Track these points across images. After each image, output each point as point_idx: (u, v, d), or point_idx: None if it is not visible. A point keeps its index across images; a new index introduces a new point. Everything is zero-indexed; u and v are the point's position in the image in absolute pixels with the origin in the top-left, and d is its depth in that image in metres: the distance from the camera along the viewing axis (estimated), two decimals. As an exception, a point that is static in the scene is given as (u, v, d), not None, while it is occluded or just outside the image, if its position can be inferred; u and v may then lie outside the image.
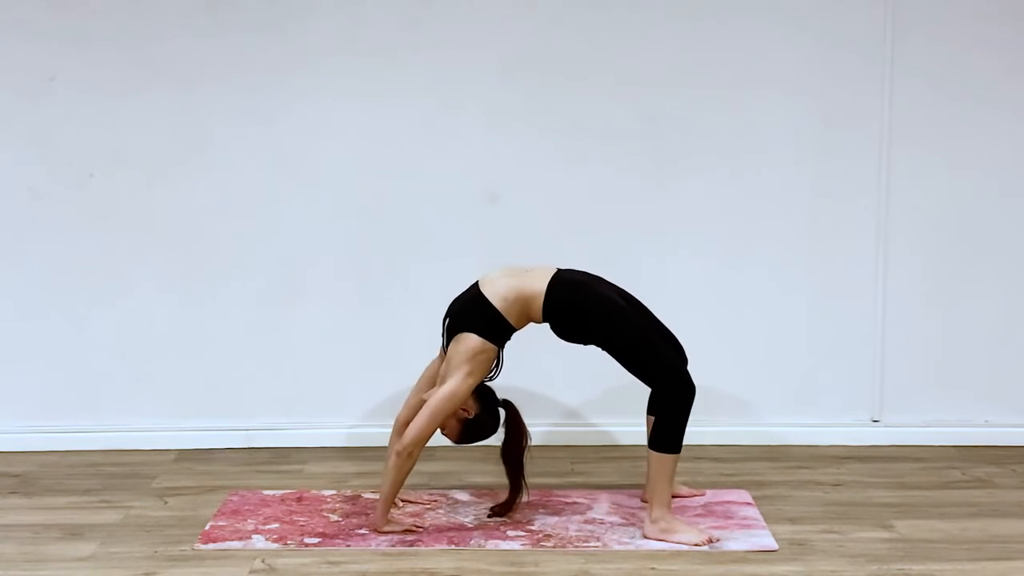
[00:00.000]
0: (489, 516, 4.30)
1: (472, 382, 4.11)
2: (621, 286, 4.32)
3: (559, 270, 4.24)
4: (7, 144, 5.04)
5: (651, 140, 5.09)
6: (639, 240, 5.12)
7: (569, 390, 5.19)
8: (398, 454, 4.09)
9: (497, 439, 4.30)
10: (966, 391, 5.21)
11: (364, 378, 5.14)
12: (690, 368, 4.24)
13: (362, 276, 5.14)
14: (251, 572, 3.86)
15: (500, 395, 4.26)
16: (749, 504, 4.44)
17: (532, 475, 4.67)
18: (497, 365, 4.22)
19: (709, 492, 4.57)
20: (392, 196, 5.10)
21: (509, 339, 4.20)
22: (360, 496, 4.54)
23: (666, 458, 4.09)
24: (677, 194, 5.11)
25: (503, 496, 4.34)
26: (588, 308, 4.14)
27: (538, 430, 5.08)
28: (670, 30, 5.04)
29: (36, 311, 5.11)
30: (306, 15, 5.01)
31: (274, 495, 4.55)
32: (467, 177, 5.10)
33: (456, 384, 4.09)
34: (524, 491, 4.28)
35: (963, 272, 5.17)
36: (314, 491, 4.60)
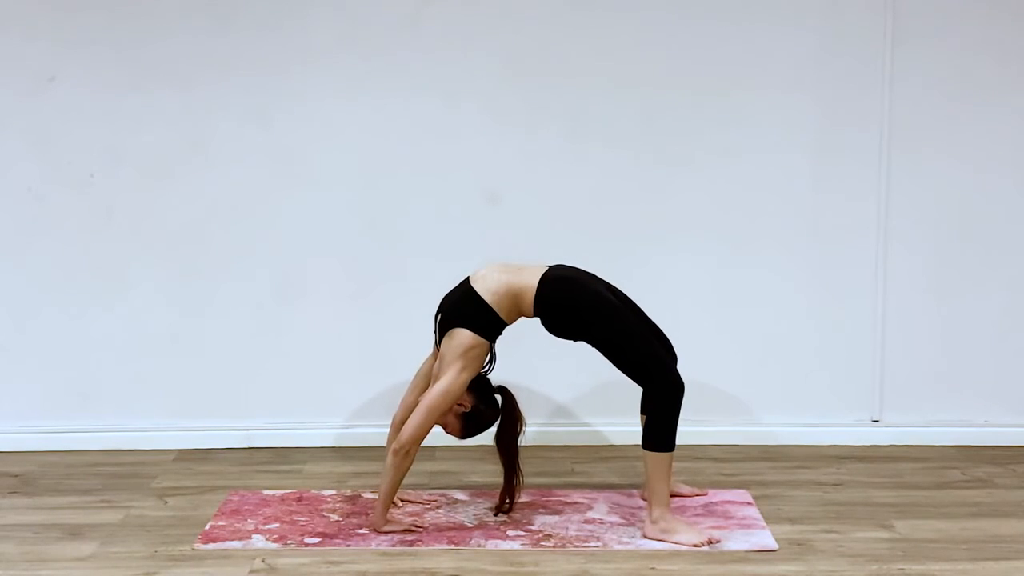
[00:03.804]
0: (495, 514, 4.30)
1: (466, 377, 4.12)
2: (621, 285, 4.32)
3: (551, 266, 4.24)
4: (7, 144, 5.04)
5: (651, 140, 5.09)
6: (639, 240, 5.12)
7: (569, 390, 5.19)
8: (395, 453, 4.09)
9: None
10: (966, 391, 5.21)
11: (364, 378, 5.14)
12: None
13: (362, 276, 5.14)
14: (251, 572, 3.86)
15: (496, 385, 4.28)
16: (749, 504, 4.44)
17: (532, 475, 4.68)
18: (490, 360, 4.22)
19: (709, 492, 4.56)
20: (392, 196, 5.10)
21: (500, 333, 4.21)
22: (360, 496, 4.54)
23: (661, 457, 4.09)
24: (677, 194, 5.11)
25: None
26: (579, 303, 4.14)
27: (538, 430, 5.10)
28: (670, 30, 5.04)
29: (36, 311, 5.11)
30: (306, 14, 5.01)
31: (274, 495, 4.55)
32: (467, 177, 5.10)
33: (450, 380, 4.09)
34: (519, 477, 4.28)
35: (963, 272, 5.17)
36: (314, 491, 4.60)
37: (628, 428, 4.96)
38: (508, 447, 4.24)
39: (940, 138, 5.10)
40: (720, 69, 5.06)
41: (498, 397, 4.25)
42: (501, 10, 5.03)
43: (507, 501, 4.29)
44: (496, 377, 4.29)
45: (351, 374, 5.15)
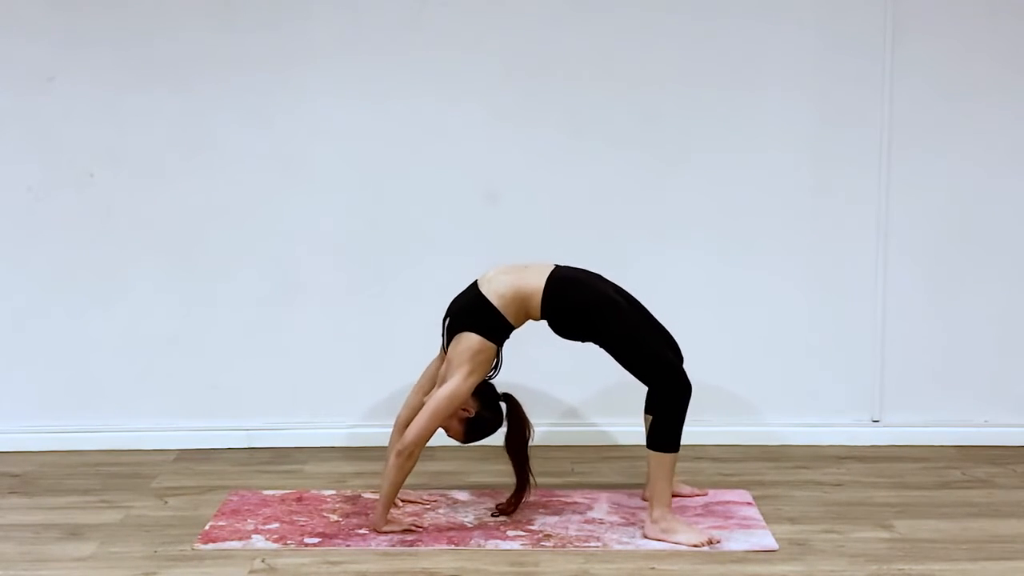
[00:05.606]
0: (494, 515, 4.30)
1: (473, 382, 4.11)
2: (621, 285, 4.32)
3: (557, 267, 4.24)
4: (7, 144, 5.04)
5: (651, 140, 5.09)
6: (639, 239, 5.12)
7: (570, 390, 5.19)
8: (398, 454, 4.09)
9: (498, 438, 4.29)
10: (966, 391, 5.21)
11: (364, 378, 5.14)
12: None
13: (362, 276, 5.14)
14: (251, 572, 3.86)
15: (501, 392, 4.27)
16: (749, 504, 4.44)
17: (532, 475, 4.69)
18: (497, 363, 4.22)
19: (709, 492, 4.56)
20: (392, 196, 5.10)
21: (508, 337, 4.21)
22: (360, 496, 4.54)
23: (665, 457, 4.09)
24: (677, 194, 5.11)
25: (505, 495, 4.35)
26: (586, 305, 4.14)
27: (538, 430, 5.08)
28: (670, 30, 5.04)
29: (36, 311, 5.11)
30: (306, 14, 5.01)
31: (274, 495, 4.55)
32: (467, 177, 5.10)
33: (457, 384, 4.09)
34: (531, 483, 4.27)
35: (963, 272, 5.17)
36: (314, 491, 4.60)
37: (628, 428, 4.97)
38: (518, 452, 4.25)
39: (940, 138, 5.10)
40: (720, 68, 5.06)
41: (503, 404, 4.25)
42: (501, 10, 5.03)
43: (514, 505, 4.29)
44: (497, 377, 4.28)
45: (351, 374, 5.15)
